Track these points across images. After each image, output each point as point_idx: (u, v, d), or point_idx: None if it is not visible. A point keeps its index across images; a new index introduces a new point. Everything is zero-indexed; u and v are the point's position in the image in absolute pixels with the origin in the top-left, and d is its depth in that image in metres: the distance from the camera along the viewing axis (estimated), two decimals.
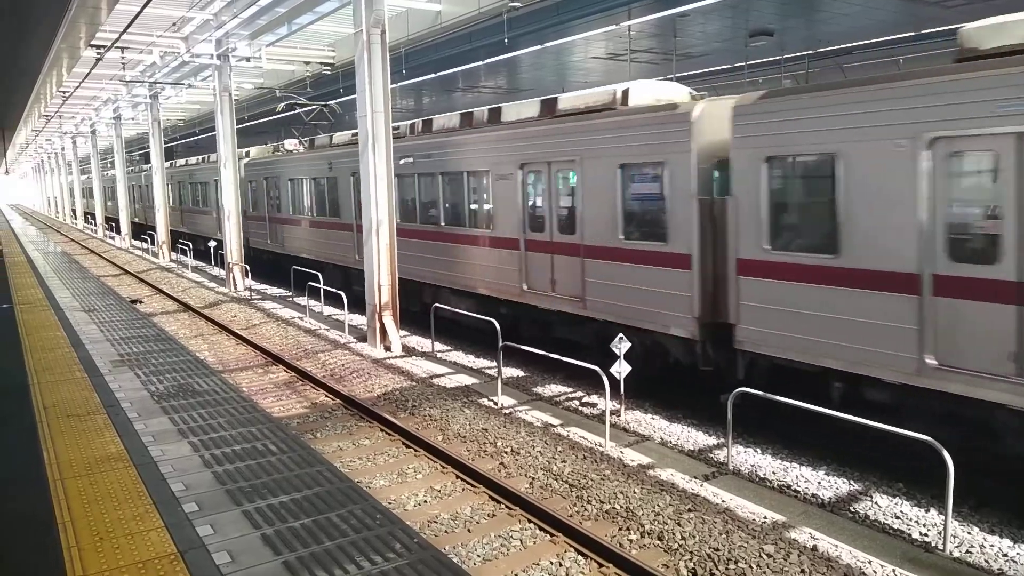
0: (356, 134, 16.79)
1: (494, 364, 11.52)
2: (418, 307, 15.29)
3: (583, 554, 6.11)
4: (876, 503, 7.45)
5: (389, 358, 12.95)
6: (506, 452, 8.38)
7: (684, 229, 9.38)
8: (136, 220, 40.56)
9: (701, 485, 7.52)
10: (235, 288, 21.93)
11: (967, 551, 6.53)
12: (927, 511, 7.21)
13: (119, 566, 4.14)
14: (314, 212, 19.91)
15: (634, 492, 7.15)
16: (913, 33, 18.81)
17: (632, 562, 5.77)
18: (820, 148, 7.90)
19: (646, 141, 9.85)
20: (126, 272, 26.43)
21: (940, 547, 6.50)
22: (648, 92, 10.61)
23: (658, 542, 6.28)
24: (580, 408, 10.63)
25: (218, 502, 4.97)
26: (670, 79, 16.87)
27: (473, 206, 13.68)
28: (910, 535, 6.82)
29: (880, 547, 6.43)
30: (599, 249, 10.75)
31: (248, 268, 22.36)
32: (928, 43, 19.31)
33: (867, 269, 7.55)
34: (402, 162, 15.02)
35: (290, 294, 20.95)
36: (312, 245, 20.21)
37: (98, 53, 18.66)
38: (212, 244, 25.73)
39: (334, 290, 16.43)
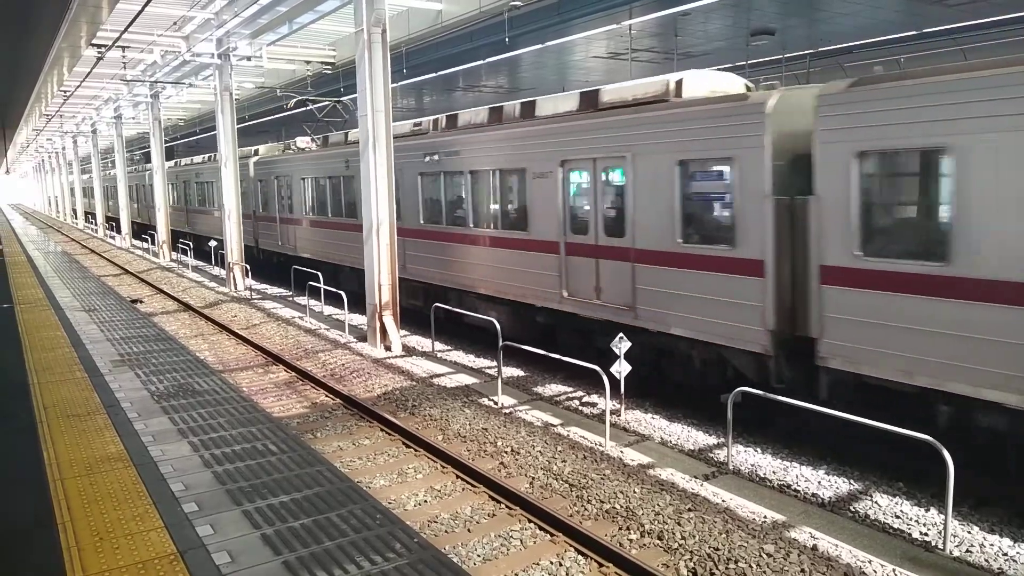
0: None
1: (494, 364, 11.52)
2: (442, 313, 14.26)
3: (583, 554, 6.11)
4: (876, 502, 7.45)
5: (389, 358, 12.95)
6: (506, 452, 8.38)
7: (756, 232, 8.49)
8: (139, 220, 40.47)
9: (701, 485, 7.52)
10: (235, 288, 21.94)
11: (967, 550, 6.53)
12: (927, 510, 7.21)
13: (119, 566, 4.14)
14: (329, 212, 19.12)
15: (634, 492, 7.15)
16: (915, 32, 18.78)
17: (632, 562, 5.77)
18: (926, 141, 6.98)
19: (711, 135, 8.93)
20: (126, 272, 26.44)
21: (940, 546, 6.50)
22: (702, 82, 9.86)
23: (658, 542, 6.28)
24: (580, 408, 10.63)
25: (218, 502, 4.97)
26: None
27: (506, 207, 12.87)
28: (910, 534, 6.82)
29: (880, 546, 6.42)
30: (653, 254, 9.84)
31: (248, 268, 22.35)
32: (930, 42, 19.30)
33: (986, 279, 6.64)
34: (427, 160, 14.44)
35: (290, 294, 20.96)
36: (327, 247, 19.43)
37: (99, 52, 18.67)
38: (213, 244, 25.64)
39: (334, 289, 16.42)
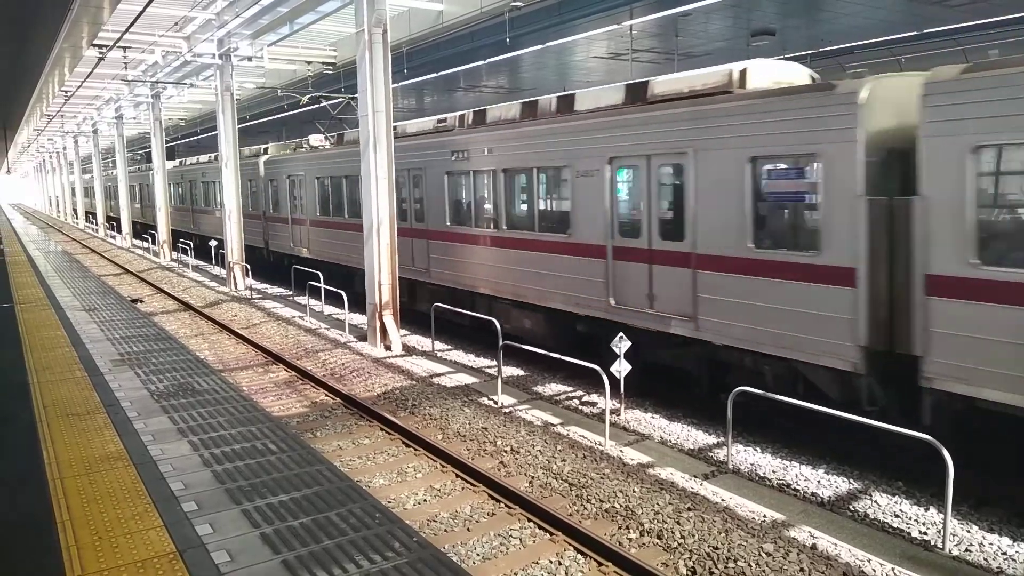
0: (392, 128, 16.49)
1: (494, 363, 11.52)
2: (468, 321, 13.66)
3: (582, 553, 6.11)
4: (876, 502, 7.45)
5: (389, 357, 12.96)
6: (506, 451, 8.38)
7: (846, 236, 7.63)
8: (142, 220, 40.34)
9: (701, 484, 7.52)
10: (236, 287, 21.95)
11: (966, 549, 6.53)
12: (926, 510, 7.21)
13: (118, 565, 4.14)
14: (346, 213, 18.12)
15: (634, 491, 7.15)
16: (915, 32, 18.79)
17: (631, 561, 5.77)
18: None
19: (790, 129, 8.10)
20: (127, 271, 26.46)
21: (939, 545, 6.50)
22: (766, 72, 9.18)
23: (657, 541, 6.28)
24: (580, 407, 10.63)
25: (217, 501, 4.97)
26: None
27: (544, 207, 12.15)
28: (909, 534, 6.83)
29: (879, 545, 6.42)
30: (719, 259, 8.98)
31: (248, 267, 22.36)
32: (931, 43, 19.29)
33: None
34: (454, 158, 13.77)
35: (291, 293, 20.96)
36: (343, 250, 18.37)
37: (100, 52, 18.69)
38: (213, 243, 25.60)
39: (334, 289, 16.43)
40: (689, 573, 5.83)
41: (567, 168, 11.19)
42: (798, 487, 7.86)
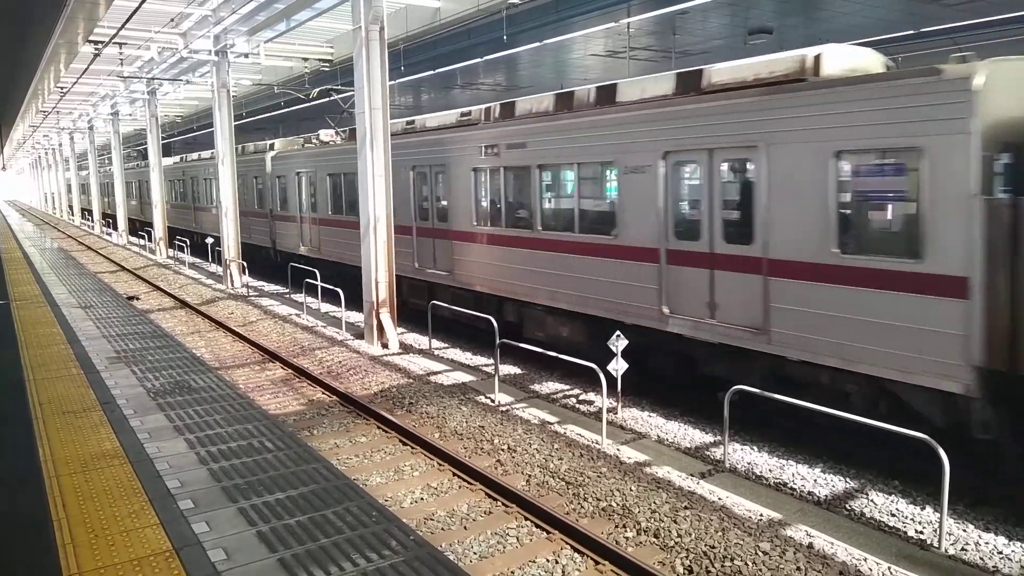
0: (411, 122, 15.67)
1: (491, 361, 11.51)
2: (498, 326, 12.54)
3: (579, 551, 6.11)
4: (872, 501, 7.46)
5: (386, 355, 12.95)
6: (503, 449, 8.38)
7: (956, 241, 6.80)
8: (141, 218, 40.10)
9: (697, 483, 7.53)
10: (232, 285, 21.91)
11: (962, 548, 6.55)
12: (923, 509, 7.23)
13: (114, 563, 4.13)
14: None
15: (630, 489, 7.15)
16: (912, 31, 18.81)
17: (628, 559, 5.77)
18: None
19: (886, 119, 7.24)
20: (123, 268, 26.39)
21: (935, 544, 6.51)
22: (840, 58, 8.39)
23: (654, 539, 6.28)
24: (577, 405, 10.63)
25: (213, 499, 4.96)
26: None
27: (585, 206, 11.31)
28: (906, 533, 6.84)
29: (876, 544, 6.44)
30: (796, 266, 8.10)
31: (245, 264, 22.32)
32: (927, 42, 19.32)
33: None
34: (483, 154, 12.94)
35: (287, 291, 20.93)
36: (358, 249, 17.18)
37: (96, 49, 18.64)
38: (210, 241, 25.50)
39: (331, 287, 16.41)
40: (686, 572, 5.84)
41: (612, 164, 10.42)
42: (795, 486, 7.87)
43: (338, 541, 4.39)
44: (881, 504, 7.39)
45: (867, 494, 7.60)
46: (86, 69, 22.01)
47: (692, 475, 7.80)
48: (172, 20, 20.30)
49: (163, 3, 18.51)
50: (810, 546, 6.15)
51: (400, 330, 14.22)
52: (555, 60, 24.06)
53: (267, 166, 23.19)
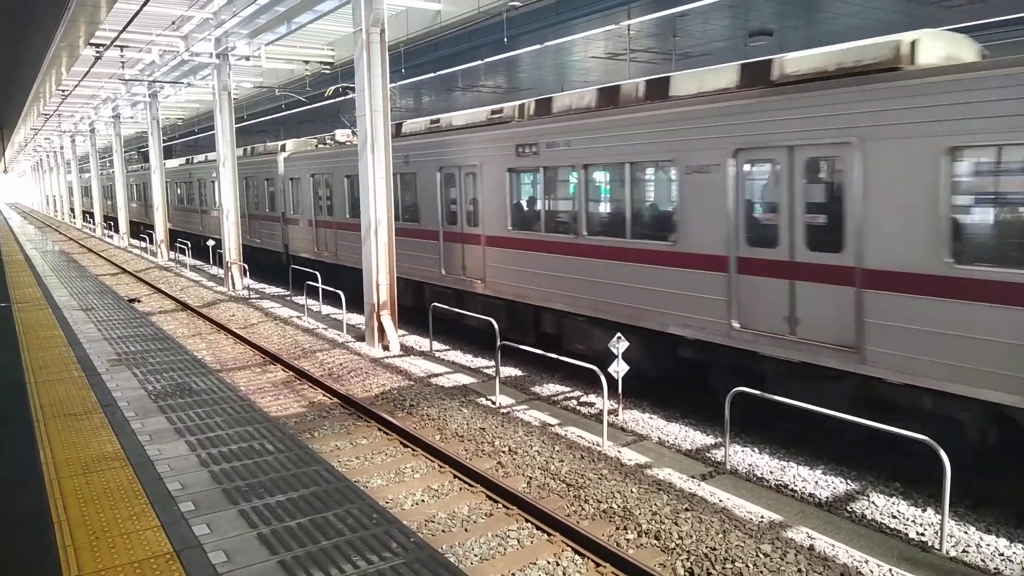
0: (436, 120, 15.22)
1: (492, 363, 11.51)
2: (533, 337, 12.31)
3: (580, 553, 6.11)
4: (873, 502, 7.46)
5: (387, 357, 12.95)
6: (504, 451, 8.38)
7: None
8: (144, 221, 39.96)
9: (698, 484, 7.53)
10: (233, 287, 21.93)
11: (964, 550, 6.54)
12: (924, 510, 7.22)
13: (115, 565, 4.13)
14: None
15: (631, 491, 7.15)
16: None
17: (629, 561, 5.77)
18: None
19: (1014, 111, 6.40)
20: (124, 271, 26.42)
21: (937, 546, 6.51)
22: (937, 46, 7.69)
23: (655, 541, 6.28)
24: (578, 407, 10.63)
25: (214, 501, 4.96)
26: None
27: (639, 210, 10.57)
28: (907, 534, 6.83)
29: (877, 546, 6.43)
30: (899, 276, 7.28)
31: (246, 267, 22.34)
32: None
33: None
34: (519, 154, 12.18)
35: (288, 293, 20.94)
36: None
37: (97, 51, 18.66)
38: (211, 243, 25.48)
39: (332, 289, 16.41)
40: (687, 574, 5.83)
41: (671, 163, 9.65)
42: (796, 488, 7.86)
43: (339, 543, 4.39)
44: (882, 506, 7.38)
45: (868, 496, 7.60)
46: (87, 72, 22.03)
47: (693, 477, 7.80)
48: (173, 23, 20.35)
49: (164, 6, 18.55)
50: (811, 548, 6.15)
51: (401, 332, 14.22)
52: (555, 62, 24.08)
53: (279, 168, 22.50)
